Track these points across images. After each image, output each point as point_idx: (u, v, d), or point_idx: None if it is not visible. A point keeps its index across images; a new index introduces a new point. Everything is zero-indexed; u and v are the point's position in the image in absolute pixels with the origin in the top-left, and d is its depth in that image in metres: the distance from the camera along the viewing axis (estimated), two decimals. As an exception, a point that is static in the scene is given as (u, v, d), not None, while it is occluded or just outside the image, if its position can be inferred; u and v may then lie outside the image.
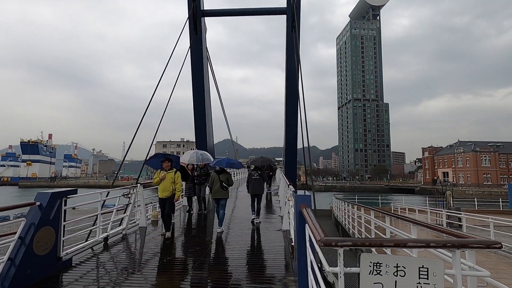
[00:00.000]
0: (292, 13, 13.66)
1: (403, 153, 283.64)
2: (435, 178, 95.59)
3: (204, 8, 14.92)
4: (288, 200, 6.63)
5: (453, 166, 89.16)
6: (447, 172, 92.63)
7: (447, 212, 13.46)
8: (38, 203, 4.31)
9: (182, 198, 9.89)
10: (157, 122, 10.75)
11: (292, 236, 5.72)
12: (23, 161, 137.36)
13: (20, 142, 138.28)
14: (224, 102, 22.86)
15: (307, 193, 4.20)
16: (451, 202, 18.87)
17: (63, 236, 4.77)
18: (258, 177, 8.62)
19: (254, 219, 8.25)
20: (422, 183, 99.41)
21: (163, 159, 7.07)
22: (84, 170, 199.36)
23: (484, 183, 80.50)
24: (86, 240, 6.05)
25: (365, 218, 9.69)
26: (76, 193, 4.97)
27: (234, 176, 22.14)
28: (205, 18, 15.93)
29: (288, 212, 6.97)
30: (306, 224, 3.66)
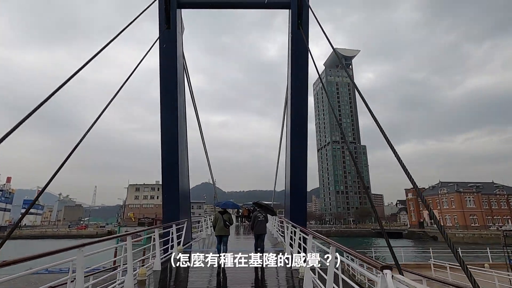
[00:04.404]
0: (298, 6, 10.34)
1: (381, 194, 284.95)
2: (421, 220, 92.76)
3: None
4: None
5: (438, 207, 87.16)
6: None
7: None
8: None
9: None
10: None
11: None
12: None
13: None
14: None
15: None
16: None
17: None
18: (263, 218, 9.15)
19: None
20: (409, 226, 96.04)
21: None
22: (48, 217, 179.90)
23: (472, 224, 78.33)
24: None
25: None
26: None
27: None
28: (183, 16, 12.38)
29: None
30: None
